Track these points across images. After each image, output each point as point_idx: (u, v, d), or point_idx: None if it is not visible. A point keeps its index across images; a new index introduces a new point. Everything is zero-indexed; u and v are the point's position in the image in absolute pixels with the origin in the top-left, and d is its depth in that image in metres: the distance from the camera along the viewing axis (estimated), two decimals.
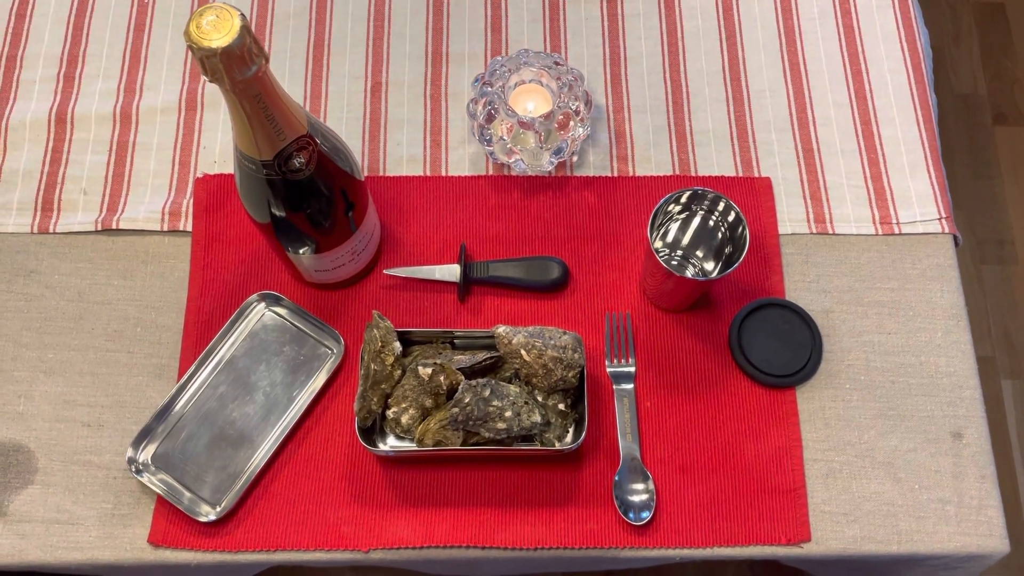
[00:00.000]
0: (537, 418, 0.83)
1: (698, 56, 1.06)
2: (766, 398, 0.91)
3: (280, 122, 0.69)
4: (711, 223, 0.89)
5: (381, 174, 1.00)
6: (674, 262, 0.93)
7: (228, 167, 0.99)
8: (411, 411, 0.84)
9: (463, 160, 1.01)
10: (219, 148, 1.00)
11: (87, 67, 1.03)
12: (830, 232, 0.98)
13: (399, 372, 0.84)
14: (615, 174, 1.00)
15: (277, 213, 0.78)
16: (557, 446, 0.85)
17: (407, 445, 0.85)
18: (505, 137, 0.94)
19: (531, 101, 0.96)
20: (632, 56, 1.05)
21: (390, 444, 0.86)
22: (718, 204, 0.87)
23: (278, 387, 0.90)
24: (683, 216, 0.91)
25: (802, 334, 0.93)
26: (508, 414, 0.81)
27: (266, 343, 0.92)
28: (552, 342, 0.84)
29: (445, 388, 0.83)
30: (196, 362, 0.90)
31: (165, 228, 0.97)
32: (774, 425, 0.90)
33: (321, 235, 0.82)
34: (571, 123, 0.94)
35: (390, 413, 0.84)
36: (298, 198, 0.77)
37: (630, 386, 0.91)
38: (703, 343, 0.93)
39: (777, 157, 1.01)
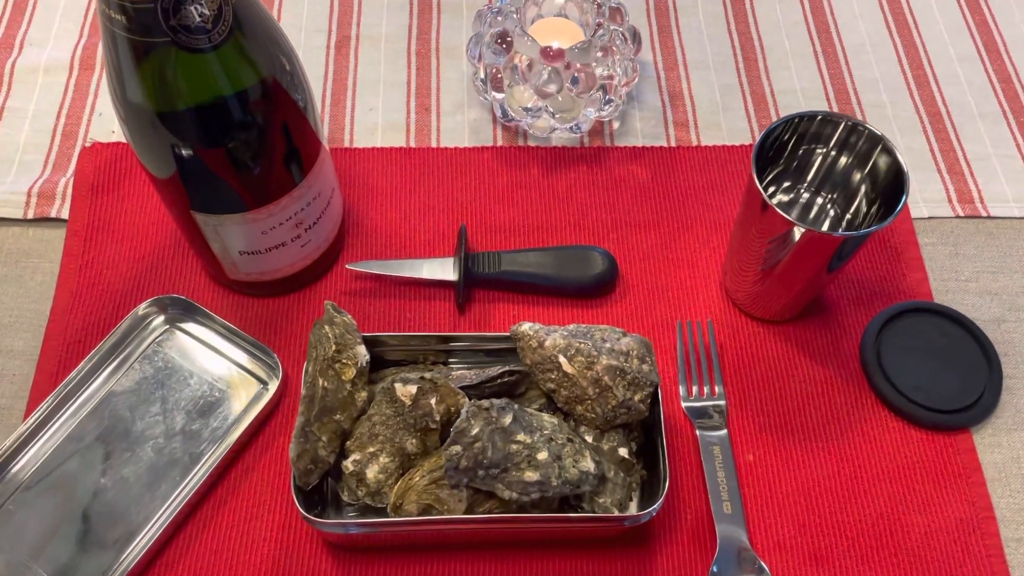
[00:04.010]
0: (589, 464, 0.50)
1: (771, 6, 0.80)
2: (929, 445, 0.59)
3: None
4: (838, 167, 0.60)
5: (347, 146, 0.71)
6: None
7: None
8: (382, 459, 0.51)
9: (460, 128, 0.72)
10: None
11: None
12: (982, 215, 0.69)
13: (363, 396, 0.53)
14: (673, 144, 0.72)
15: (163, 109, 0.48)
16: (616, 513, 0.52)
17: (374, 519, 0.52)
18: (522, 79, 0.66)
19: (556, 40, 0.68)
20: (683, 6, 0.80)
21: (348, 515, 0.53)
22: (848, 136, 0.58)
23: (177, 439, 0.58)
24: (787, 165, 0.62)
25: (969, 352, 0.62)
26: (542, 456, 0.49)
27: (164, 373, 0.61)
28: (607, 346, 0.53)
29: (439, 418, 0.51)
30: (49, 401, 0.58)
31: (30, 215, 0.67)
32: (948, 486, 0.58)
33: (241, 172, 0.52)
34: (614, 60, 0.66)
35: (349, 463, 0.52)
36: (198, 82, 0.47)
37: (721, 431, 0.59)
38: (822, 365, 0.62)
39: (893, 123, 0.73)
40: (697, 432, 0.59)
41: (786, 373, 0.62)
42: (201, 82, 0.47)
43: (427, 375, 0.52)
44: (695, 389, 0.61)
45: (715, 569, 0.54)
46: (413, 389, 0.51)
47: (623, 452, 0.53)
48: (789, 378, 0.62)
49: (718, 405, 0.60)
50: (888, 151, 0.56)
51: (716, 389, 0.61)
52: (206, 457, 0.58)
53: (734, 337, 0.63)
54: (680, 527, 0.56)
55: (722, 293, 0.65)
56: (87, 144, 0.70)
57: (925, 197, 0.70)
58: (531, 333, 0.54)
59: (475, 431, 0.48)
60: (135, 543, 0.55)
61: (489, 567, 0.55)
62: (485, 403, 0.49)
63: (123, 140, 0.70)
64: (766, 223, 0.55)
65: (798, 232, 0.53)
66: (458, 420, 0.48)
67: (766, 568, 0.54)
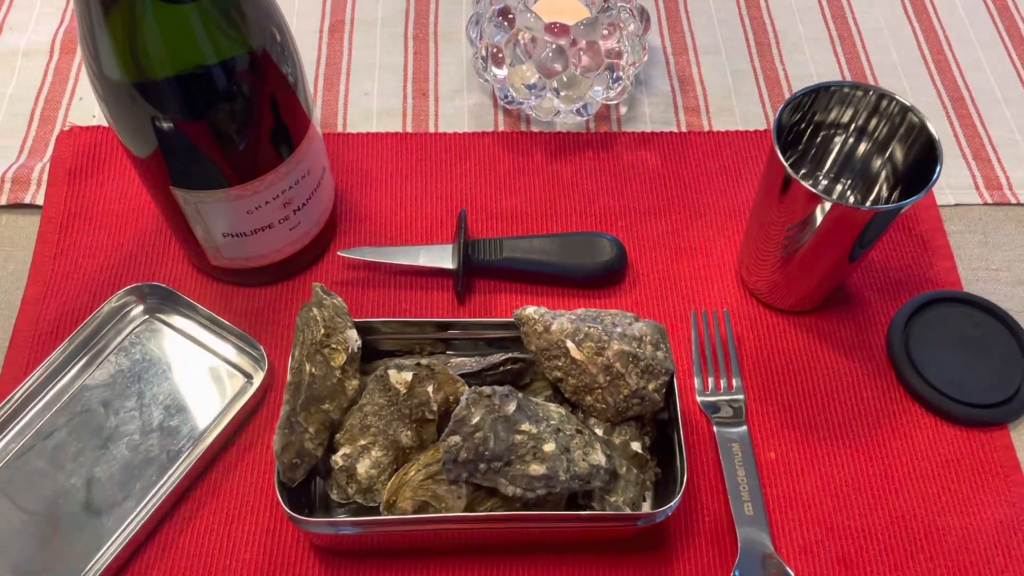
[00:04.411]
0: (600, 458, 0.46)
1: None
2: (964, 442, 0.55)
3: None
4: (859, 148, 0.57)
5: (340, 131, 0.68)
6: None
7: None
8: (375, 452, 0.47)
9: (460, 114, 0.69)
10: None
11: None
12: (1012, 201, 0.65)
13: (354, 384, 0.48)
14: (683, 129, 0.68)
15: (139, 68, 0.44)
16: (628, 512, 0.47)
17: (366, 518, 0.48)
18: (525, 55, 0.63)
19: (560, 18, 0.65)
20: None
21: (337, 514, 0.49)
22: (874, 109, 0.55)
23: (154, 435, 0.54)
24: (805, 150, 0.58)
25: (1004, 343, 0.58)
26: (549, 448, 0.45)
27: (141, 366, 0.56)
28: (618, 331, 0.49)
29: (436, 408, 0.47)
30: (16, 395, 0.54)
31: (2, 202, 0.63)
32: (985, 486, 0.54)
33: (221, 141, 0.48)
34: (622, 36, 0.63)
35: (338, 457, 0.47)
36: (176, 37, 0.44)
37: (740, 427, 0.55)
38: (847, 358, 0.58)
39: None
40: (714, 428, 0.55)
41: (808, 366, 0.58)
42: (178, 38, 0.43)
43: (423, 361, 0.48)
44: (711, 382, 0.57)
45: (737, 574, 0.49)
46: (408, 376, 0.47)
47: (636, 446, 0.49)
48: (811, 371, 0.58)
49: (736, 400, 0.56)
50: (918, 120, 0.52)
51: (734, 382, 0.57)
52: (185, 455, 0.53)
53: (752, 328, 0.59)
54: (698, 530, 0.52)
55: (738, 282, 0.61)
56: (65, 128, 0.66)
57: (951, 184, 0.66)
58: (536, 317, 0.49)
59: (476, 420, 0.44)
60: (106, 547, 0.50)
61: (490, 574, 0.50)
62: (487, 390, 0.45)
63: (104, 124, 0.66)
64: (788, 202, 0.51)
65: (824, 208, 0.49)
66: (457, 408, 0.44)
67: (792, 573, 0.50)
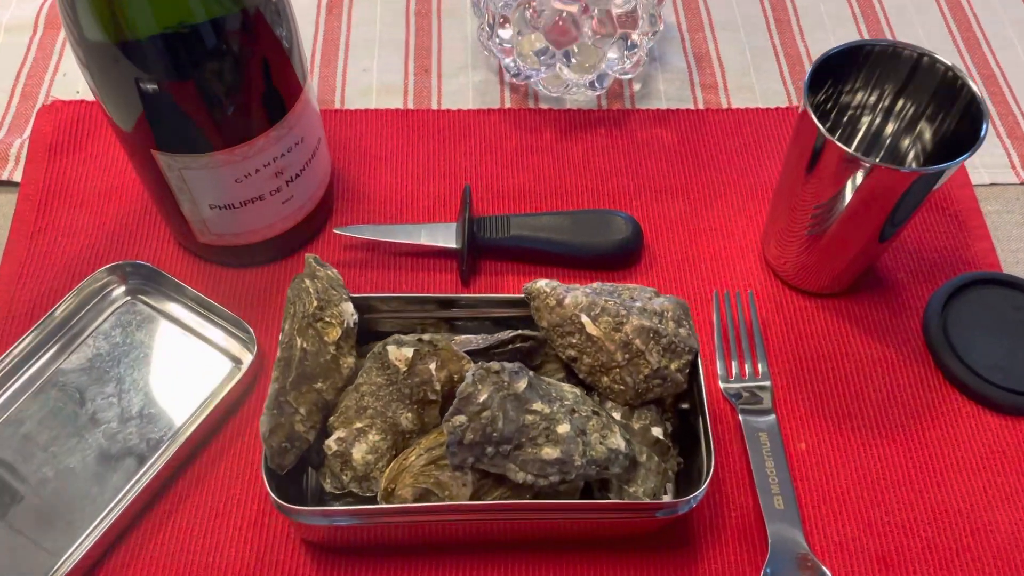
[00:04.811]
0: (619, 441, 0.42)
1: None
2: (1010, 431, 0.51)
3: None
4: (888, 122, 0.53)
5: (337, 107, 0.64)
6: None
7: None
8: (372, 436, 0.43)
9: (464, 91, 0.65)
10: None
11: None
12: None
13: (350, 362, 0.44)
14: (700, 106, 0.65)
15: (117, 28, 0.41)
16: (650, 501, 0.43)
17: (362, 507, 0.43)
18: (534, 20, 0.59)
19: None
20: None
21: (331, 504, 0.45)
22: (911, 73, 0.51)
23: (133, 423, 0.50)
24: (832, 127, 0.54)
25: None
26: (563, 429, 0.41)
27: (122, 350, 0.53)
28: (637, 305, 0.45)
29: (439, 388, 0.43)
30: None
31: None
32: None
33: (209, 104, 0.45)
34: (636, 4, 0.59)
35: (332, 442, 0.43)
36: None
37: (768, 416, 0.51)
38: (880, 343, 0.54)
39: None
40: (740, 417, 0.51)
41: (839, 351, 0.54)
42: None
43: (426, 337, 0.44)
44: (735, 368, 0.53)
45: (768, 572, 0.45)
46: (409, 352, 0.43)
47: (657, 432, 0.45)
48: (843, 357, 0.54)
49: (762, 386, 0.52)
50: (960, 79, 0.48)
51: (760, 368, 0.53)
52: (166, 444, 0.49)
53: (778, 312, 0.55)
54: (724, 525, 0.48)
55: (762, 264, 0.57)
56: (48, 103, 0.62)
57: (985, 163, 0.62)
58: (548, 290, 0.45)
59: (483, 398, 0.40)
60: (77, 543, 0.46)
61: (496, 573, 0.46)
62: (495, 365, 0.41)
63: (88, 99, 0.63)
64: (820, 170, 0.47)
65: (860, 173, 0.46)
66: (462, 385, 0.40)
67: (828, 573, 0.45)
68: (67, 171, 0.59)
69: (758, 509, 0.48)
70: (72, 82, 0.64)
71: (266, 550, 0.46)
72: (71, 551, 0.46)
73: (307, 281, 0.44)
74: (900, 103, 0.52)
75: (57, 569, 0.45)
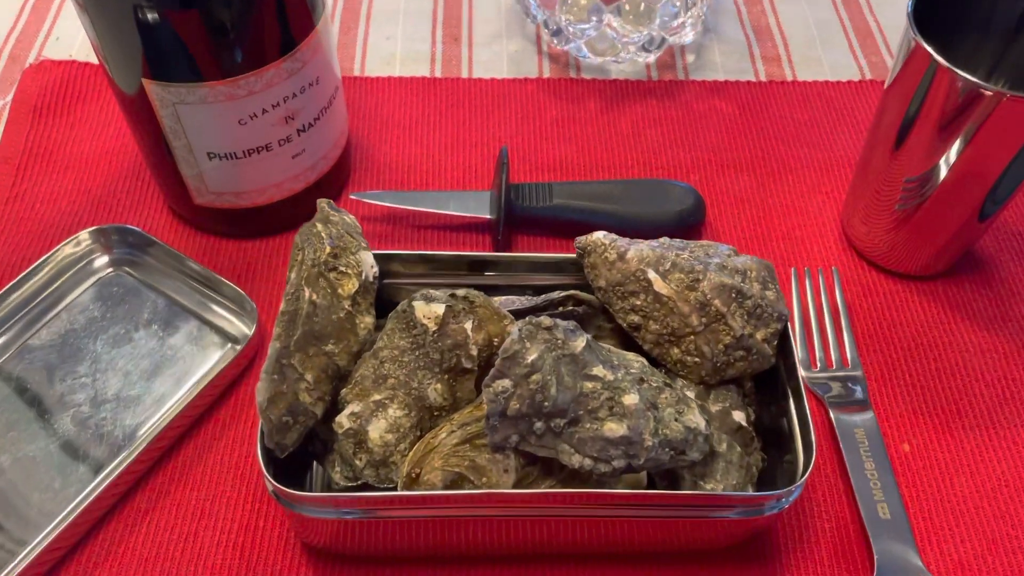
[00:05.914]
0: (699, 420, 0.34)
1: None
2: None
3: None
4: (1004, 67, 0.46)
5: (357, 75, 0.58)
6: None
7: (88, 59, 0.57)
8: (393, 411, 0.35)
9: (498, 60, 0.59)
10: (81, 40, 0.59)
11: None
12: None
13: (368, 322, 0.36)
14: (763, 79, 0.58)
15: None
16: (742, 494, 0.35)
17: (380, 493, 0.35)
18: None
19: None
20: None
21: (341, 492, 0.36)
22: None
23: (107, 407, 0.42)
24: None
25: None
26: (630, 400, 0.33)
27: (100, 324, 0.45)
28: (715, 261, 0.37)
29: (476, 353, 0.35)
30: None
31: None
32: None
33: (208, 19, 0.38)
34: None
35: (344, 418, 0.35)
36: None
37: (865, 413, 0.42)
38: (988, 332, 0.46)
39: None
40: (831, 414, 0.42)
41: (941, 341, 0.46)
42: None
43: (460, 292, 0.36)
44: (820, 356, 0.44)
45: None
46: (440, 309, 0.35)
47: (739, 417, 0.37)
48: (946, 347, 0.45)
49: (854, 377, 0.44)
50: None
51: (848, 356, 0.45)
52: (145, 431, 0.41)
53: (865, 296, 0.47)
54: (816, 538, 0.39)
55: (844, 244, 0.49)
56: (36, 62, 0.56)
57: None
58: (607, 243, 0.38)
59: (532, 358, 0.32)
60: (32, 544, 0.38)
61: None
62: (546, 320, 0.33)
63: (79, 59, 0.56)
64: (922, 118, 0.40)
65: (989, 100, 0.38)
66: (507, 342, 0.32)
67: None
68: (52, 134, 0.53)
69: (857, 519, 0.39)
70: (65, 46, 0.58)
71: (258, 559, 0.38)
72: (23, 554, 0.37)
73: (319, 226, 0.37)
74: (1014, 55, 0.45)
75: (10, 572, 0.37)
